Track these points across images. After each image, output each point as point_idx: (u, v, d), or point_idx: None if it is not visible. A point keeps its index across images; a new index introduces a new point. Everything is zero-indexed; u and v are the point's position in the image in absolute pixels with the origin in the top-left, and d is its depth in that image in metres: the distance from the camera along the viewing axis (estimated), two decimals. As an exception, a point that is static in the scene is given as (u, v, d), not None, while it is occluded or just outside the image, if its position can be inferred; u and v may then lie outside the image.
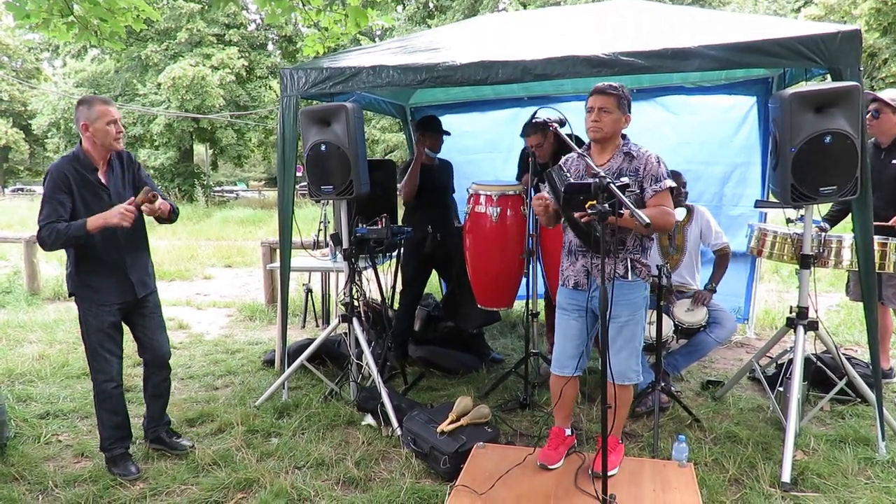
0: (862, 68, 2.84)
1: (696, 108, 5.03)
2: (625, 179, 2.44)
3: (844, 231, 3.48)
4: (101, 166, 2.89)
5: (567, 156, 2.89)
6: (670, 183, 2.71)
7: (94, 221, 2.71)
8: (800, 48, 2.83)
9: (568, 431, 2.97)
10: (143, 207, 2.81)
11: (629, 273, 2.69)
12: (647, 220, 2.14)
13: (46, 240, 2.72)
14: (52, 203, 2.75)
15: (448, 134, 4.39)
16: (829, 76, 2.95)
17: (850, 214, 3.85)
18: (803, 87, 2.85)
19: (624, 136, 2.76)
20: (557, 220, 2.81)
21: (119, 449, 3.05)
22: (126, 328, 3.09)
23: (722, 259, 4.01)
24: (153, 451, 3.21)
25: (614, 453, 2.79)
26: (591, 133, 2.70)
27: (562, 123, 2.71)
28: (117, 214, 2.70)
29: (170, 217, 2.99)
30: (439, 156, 4.48)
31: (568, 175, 2.58)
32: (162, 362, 3.15)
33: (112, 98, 24.35)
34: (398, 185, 4.38)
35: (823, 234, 3.37)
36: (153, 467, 3.08)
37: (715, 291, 3.90)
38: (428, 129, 4.32)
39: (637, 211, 2.13)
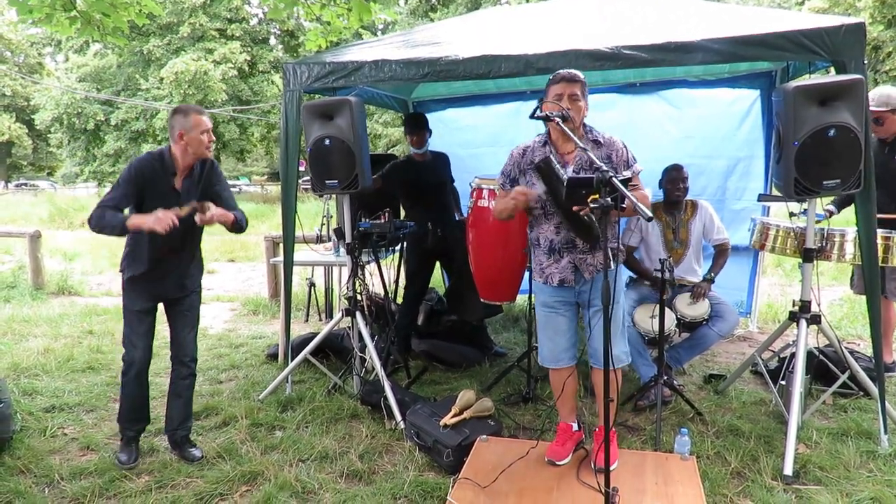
0: (866, 61, 2.83)
1: (699, 102, 5.02)
2: (627, 173, 2.44)
3: (849, 223, 3.48)
4: (180, 172, 2.92)
5: (527, 146, 2.80)
6: (639, 167, 2.74)
7: (133, 220, 2.74)
8: (804, 41, 2.82)
9: (575, 426, 2.98)
10: (196, 217, 2.83)
11: (611, 261, 2.69)
12: (650, 214, 2.14)
13: (92, 218, 2.79)
14: (117, 190, 2.82)
15: (430, 132, 4.36)
16: (832, 69, 2.94)
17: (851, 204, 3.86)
18: (807, 80, 2.84)
19: (584, 125, 2.74)
20: (512, 216, 2.82)
21: (129, 431, 3.10)
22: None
23: (721, 253, 4.02)
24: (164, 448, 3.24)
25: (612, 445, 2.79)
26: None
27: (564, 118, 2.69)
28: (154, 219, 2.71)
29: (233, 227, 3.01)
30: (440, 148, 4.47)
31: (558, 168, 2.56)
32: (183, 360, 3.15)
33: (114, 93, 24.44)
34: (381, 175, 4.32)
35: (827, 227, 3.36)
36: (158, 460, 3.10)
37: (713, 282, 3.90)
38: (408, 127, 4.32)
39: (640, 205, 2.12)
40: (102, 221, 2.75)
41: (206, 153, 2.94)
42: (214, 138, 3.00)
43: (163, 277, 3.01)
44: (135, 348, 3.01)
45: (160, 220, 2.69)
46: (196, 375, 3.24)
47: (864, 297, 3.85)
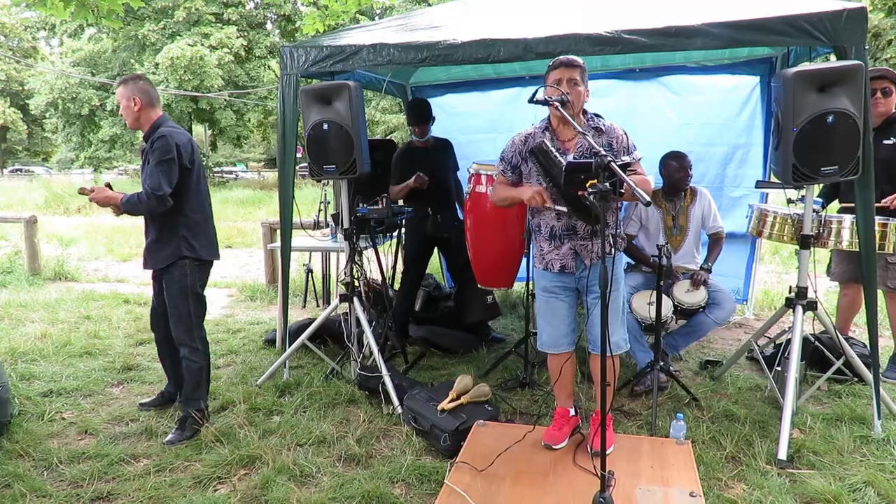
0: (867, 48, 2.81)
1: (699, 89, 4.99)
2: (626, 158, 2.43)
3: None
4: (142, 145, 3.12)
5: (528, 133, 2.79)
6: (639, 154, 2.74)
7: None
8: (805, 26, 2.80)
9: (571, 411, 3.00)
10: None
11: (612, 248, 2.69)
12: (648, 199, 2.13)
13: None
14: None
15: (433, 120, 4.33)
16: (833, 55, 2.92)
17: (837, 199, 3.86)
18: (806, 66, 2.83)
19: (585, 112, 2.73)
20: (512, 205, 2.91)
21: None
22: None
23: (716, 242, 4.03)
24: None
25: (608, 429, 2.81)
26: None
27: (563, 102, 2.68)
28: None
29: (123, 211, 3.08)
30: (438, 134, 4.44)
31: (554, 152, 2.55)
32: (171, 340, 3.28)
33: (110, 78, 24.22)
34: (391, 180, 4.32)
35: (824, 214, 3.36)
36: (157, 444, 3.11)
37: (710, 271, 3.91)
38: (411, 118, 4.29)
39: (638, 189, 2.11)
40: None
41: (129, 124, 3.10)
42: (125, 112, 3.10)
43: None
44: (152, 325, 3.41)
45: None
46: (190, 359, 3.22)
47: (851, 286, 3.90)
